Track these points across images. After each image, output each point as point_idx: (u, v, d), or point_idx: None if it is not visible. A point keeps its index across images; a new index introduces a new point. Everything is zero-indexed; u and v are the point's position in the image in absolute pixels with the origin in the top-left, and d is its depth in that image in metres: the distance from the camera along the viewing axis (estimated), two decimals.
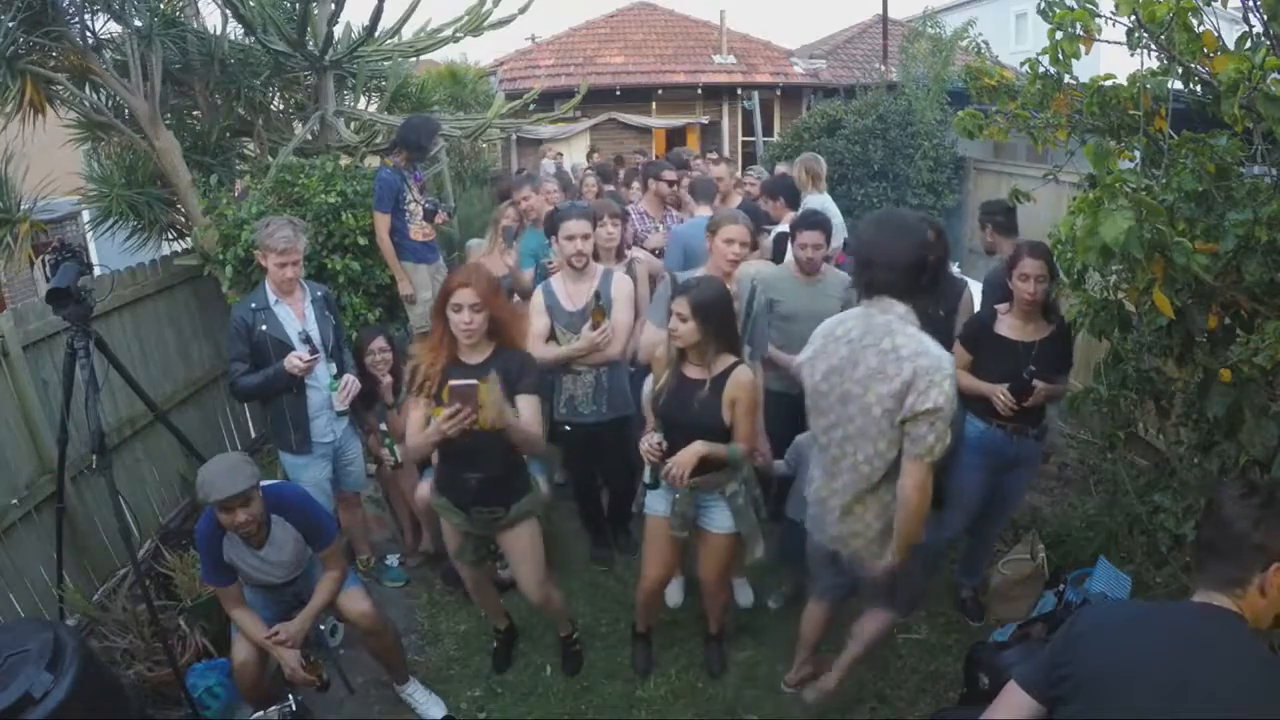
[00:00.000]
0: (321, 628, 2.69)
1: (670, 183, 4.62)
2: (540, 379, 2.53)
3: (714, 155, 10.57)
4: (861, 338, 2.04)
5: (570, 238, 3.06)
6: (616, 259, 3.43)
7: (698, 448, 2.42)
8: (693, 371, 2.49)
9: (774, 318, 3.11)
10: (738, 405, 2.43)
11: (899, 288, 2.01)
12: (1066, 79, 2.28)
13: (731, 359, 2.47)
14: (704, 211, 4.10)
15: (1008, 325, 2.79)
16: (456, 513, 2.57)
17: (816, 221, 3.22)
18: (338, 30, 4.83)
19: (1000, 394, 2.70)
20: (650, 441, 2.50)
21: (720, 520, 2.59)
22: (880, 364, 1.97)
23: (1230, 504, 1.37)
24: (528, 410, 2.39)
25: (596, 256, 3.29)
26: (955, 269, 3.50)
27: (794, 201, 4.28)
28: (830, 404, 2.12)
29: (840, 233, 4.60)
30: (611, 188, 6.40)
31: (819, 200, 4.47)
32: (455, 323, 2.33)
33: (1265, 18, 1.86)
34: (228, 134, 4.84)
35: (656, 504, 2.64)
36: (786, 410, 3.13)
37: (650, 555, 2.73)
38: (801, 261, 3.19)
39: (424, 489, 3.31)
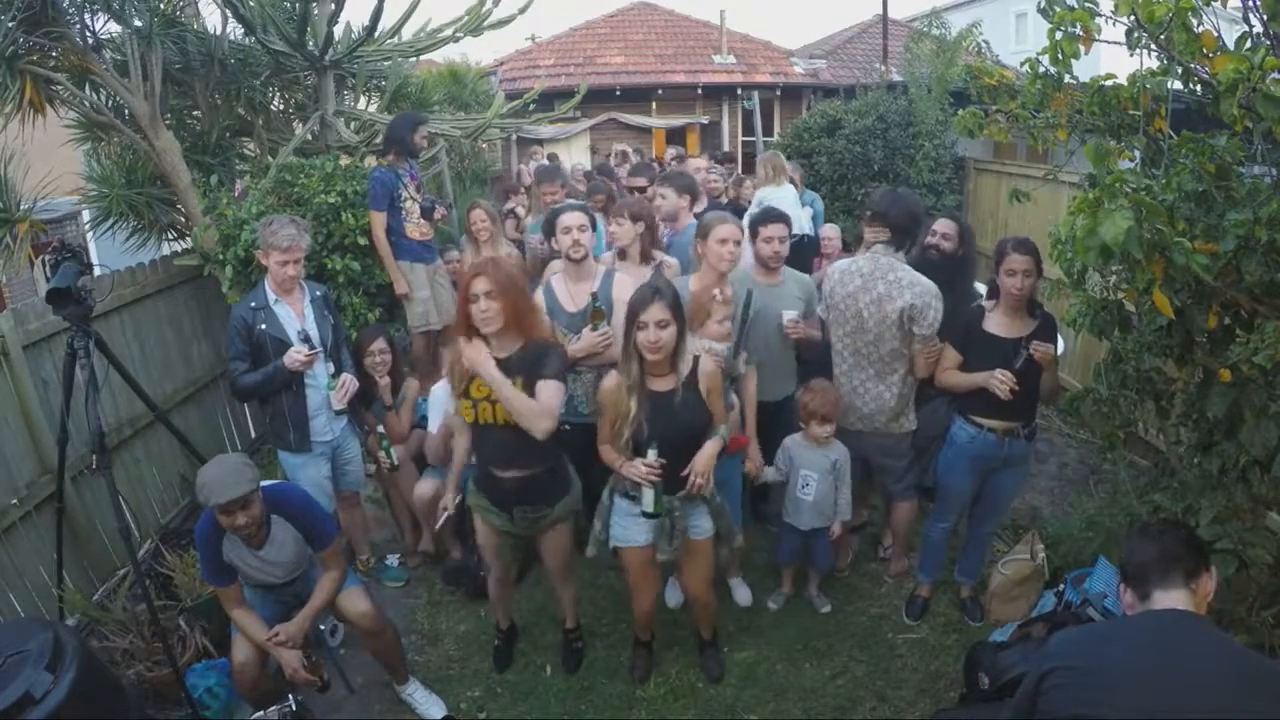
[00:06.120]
0: (321, 628, 2.69)
1: (640, 189, 4.37)
2: (564, 366, 2.50)
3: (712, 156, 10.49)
4: (872, 272, 2.91)
5: (566, 230, 3.05)
6: (642, 261, 3.39)
7: (712, 449, 2.44)
8: (661, 384, 2.42)
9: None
10: (711, 393, 2.45)
11: (896, 240, 2.93)
12: (1066, 79, 2.28)
13: (688, 354, 2.44)
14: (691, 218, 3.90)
15: (995, 322, 2.76)
16: (496, 513, 2.56)
17: (778, 215, 3.17)
18: (338, 30, 4.84)
19: (998, 376, 2.62)
20: (649, 461, 2.33)
21: (703, 525, 2.59)
22: (887, 289, 2.87)
23: (1145, 536, 1.68)
24: (545, 394, 2.35)
25: (623, 256, 3.35)
26: (981, 288, 3.39)
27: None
28: (847, 317, 2.98)
29: (801, 224, 4.68)
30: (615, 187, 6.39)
31: (775, 193, 4.70)
32: (473, 313, 2.35)
33: (1265, 18, 1.86)
34: (228, 134, 4.84)
35: (631, 534, 2.55)
36: (771, 416, 3.14)
37: (639, 585, 2.68)
38: (766, 256, 3.08)
39: (424, 488, 3.31)
